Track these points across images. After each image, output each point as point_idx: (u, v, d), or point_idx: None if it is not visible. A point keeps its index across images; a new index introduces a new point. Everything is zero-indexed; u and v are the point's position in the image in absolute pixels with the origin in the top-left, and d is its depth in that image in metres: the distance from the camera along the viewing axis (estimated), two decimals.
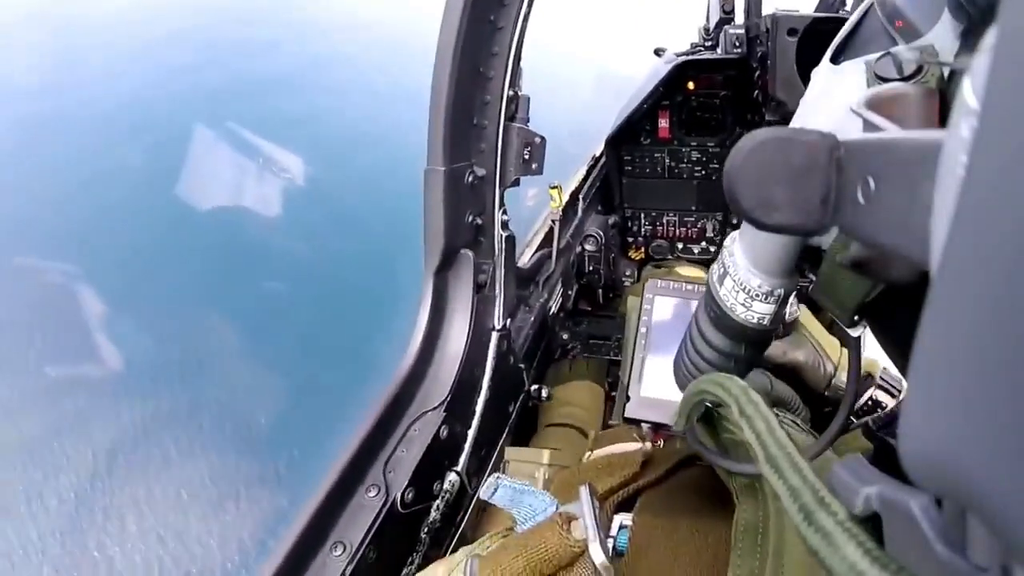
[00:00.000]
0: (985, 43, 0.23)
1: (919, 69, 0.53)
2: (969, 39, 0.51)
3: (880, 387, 1.57)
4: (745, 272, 0.73)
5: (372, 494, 0.94)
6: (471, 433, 1.19)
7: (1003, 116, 0.20)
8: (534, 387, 1.58)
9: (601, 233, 2.09)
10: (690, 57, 2.07)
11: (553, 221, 1.71)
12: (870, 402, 1.57)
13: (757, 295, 0.73)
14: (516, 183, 1.26)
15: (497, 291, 1.24)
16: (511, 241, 1.26)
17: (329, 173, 10.04)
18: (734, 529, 0.72)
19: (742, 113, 2.15)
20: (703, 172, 2.31)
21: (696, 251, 2.50)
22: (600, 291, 2.25)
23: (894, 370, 1.58)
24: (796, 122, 0.70)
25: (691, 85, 2.15)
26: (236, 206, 9.23)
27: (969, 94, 0.24)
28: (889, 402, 1.55)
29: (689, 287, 1.87)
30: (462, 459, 1.16)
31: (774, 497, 0.72)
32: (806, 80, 1.47)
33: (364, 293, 7.75)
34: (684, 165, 2.31)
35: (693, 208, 2.41)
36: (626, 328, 1.88)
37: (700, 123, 2.23)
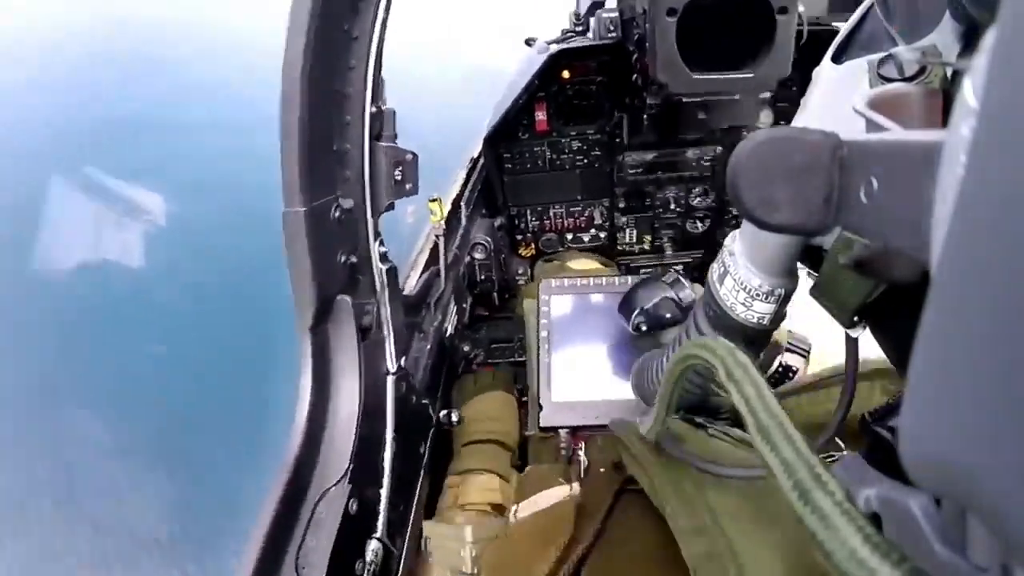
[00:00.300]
0: (984, 43, 0.23)
1: (922, 70, 0.53)
2: (970, 39, 0.51)
3: (789, 351, 1.61)
4: (745, 271, 0.74)
5: None
6: (384, 493, 1.07)
7: (1002, 116, 0.20)
8: (443, 413, 1.49)
9: (489, 239, 2.02)
10: (563, 46, 1.99)
11: (437, 237, 1.60)
12: (780, 367, 1.60)
13: (758, 295, 0.74)
14: (391, 207, 1.14)
15: (385, 331, 1.12)
16: (392, 273, 1.13)
17: (196, 209, 9.34)
18: None
19: (620, 98, 2.10)
20: (585, 161, 2.26)
21: (586, 239, 2.47)
22: (495, 295, 2.19)
23: (799, 331, 1.63)
24: (798, 121, 0.71)
25: (566, 74, 2.08)
26: (99, 261, 8.41)
27: (969, 94, 0.24)
28: (799, 364, 1.59)
29: (584, 281, 1.84)
30: (380, 524, 1.04)
31: (732, 558, 0.68)
32: (688, 60, 1.44)
33: (248, 340, 7.28)
34: (565, 156, 2.25)
35: (579, 197, 2.37)
36: (526, 332, 1.83)
37: (578, 112, 2.17)
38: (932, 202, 0.28)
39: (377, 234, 1.10)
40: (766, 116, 2.17)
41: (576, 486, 1.09)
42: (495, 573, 0.97)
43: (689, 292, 1.46)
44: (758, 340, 0.83)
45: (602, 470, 1.42)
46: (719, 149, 2.20)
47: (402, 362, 1.17)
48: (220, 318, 7.98)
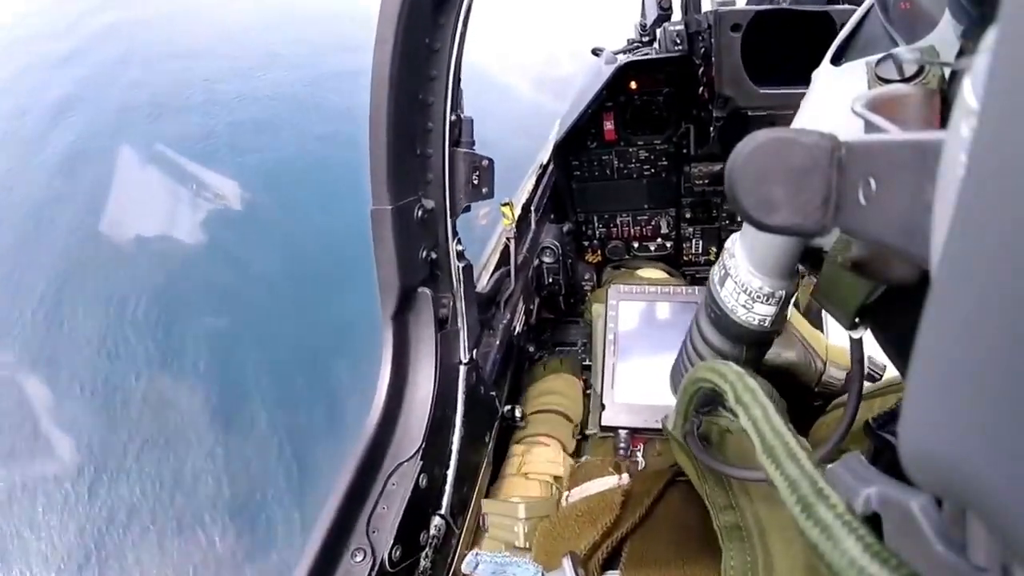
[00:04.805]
0: (985, 43, 0.23)
1: (920, 70, 0.53)
2: (969, 39, 0.51)
3: (870, 378, 1.56)
4: (746, 274, 0.75)
5: (359, 559, 0.90)
6: (450, 474, 1.15)
7: (1003, 116, 0.20)
8: (507, 408, 1.55)
9: (557, 244, 2.07)
10: (631, 59, 2.04)
11: (508, 239, 1.67)
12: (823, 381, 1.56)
13: (758, 297, 0.75)
14: (467, 210, 1.22)
15: (460, 324, 1.20)
16: (468, 270, 1.21)
17: (269, 196, 9.61)
18: None
19: (687, 109, 2.13)
20: (652, 170, 2.30)
21: (652, 248, 2.50)
22: (561, 298, 2.24)
23: (877, 358, 1.58)
24: (797, 123, 0.71)
25: (633, 85, 2.12)
26: (163, 235, 8.72)
27: (969, 94, 0.24)
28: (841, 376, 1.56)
29: (652, 289, 1.87)
30: (444, 502, 1.12)
31: (760, 536, 0.72)
32: (753, 75, 1.46)
33: (323, 320, 7.51)
34: (633, 165, 2.29)
35: (645, 206, 2.40)
36: (593, 336, 1.87)
37: (645, 122, 2.21)
38: (931, 203, 0.29)
39: (455, 233, 1.18)
40: None
41: (625, 476, 1.14)
42: (544, 547, 1.02)
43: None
44: (760, 342, 0.83)
45: (658, 447, 1.46)
46: None
47: (474, 354, 1.24)
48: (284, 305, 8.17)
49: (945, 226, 0.24)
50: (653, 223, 2.44)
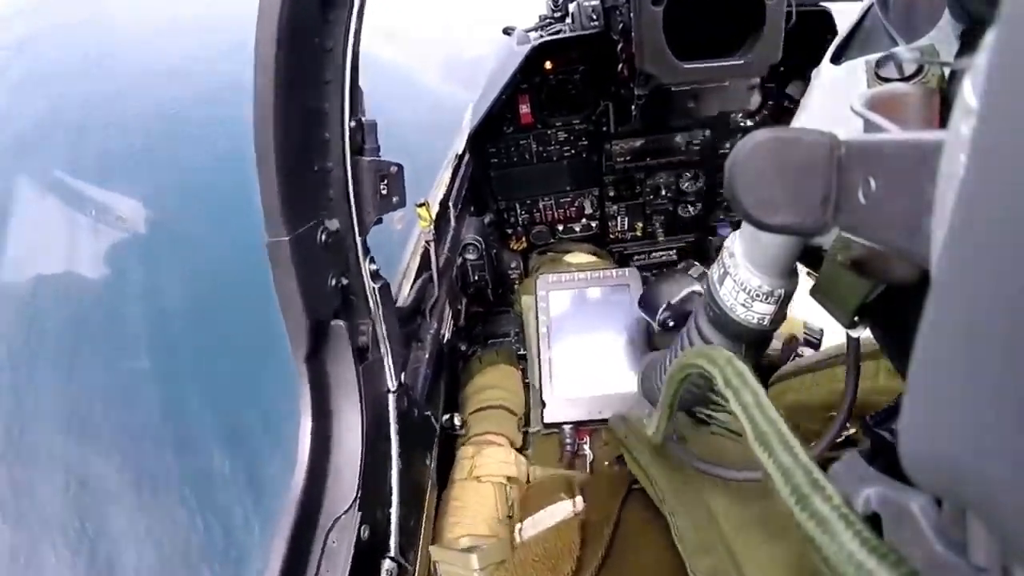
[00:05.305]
0: (985, 43, 0.23)
1: (920, 69, 0.53)
2: (969, 39, 0.50)
3: (807, 343, 1.61)
4: (745, 272, 0.75)
5: None
6: (394, 513, 1.06)
7: (1003, 116, 0.20)
8: (445, 419, 1.48)
9: (480, 239, 2.00)
10: (544, 38, 1.97)
11: (427, 242, 1.57)
12: (795, 359, 1.59)
13: (757, 295, 0.75)
14: (378, 222, 1.10)
15: (383, 350, 1.09)
16: (386, 290, 1.10)
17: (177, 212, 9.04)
18: None
19: (605, 86, 2.09)
20: (572, 151, 2.26)
21: (577, 229, 2.47)
22: (489, 291, 2.18)
23: (814, 323, 1.64)
24: (796, 122, 0.72)
25: (548, 65, 2.07)
26: (66, 273, 8.15)
27: (969, 94, 0.24)
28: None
29: (581, 275, 1.83)
30: (392, 543, 1.04)
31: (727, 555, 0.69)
32: (675, 49, 1.40)
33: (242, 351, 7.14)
34: (552, 147, 2.25)
35: (568, 188, 2.37)
36: (525, 329, 1.82)
37: (562, 102, 2.16)
38: (931, 202, 0.29)
39: (367, 252, 1.07)
40: (755, 99, 2.15)
41: (579, 501, 1.10)
42: None
43: None
44: (759, 341, 0.82)
45: (607, 463, 1.43)
46: (708, 132, 2.18)
47: (402, 378, 1.15)
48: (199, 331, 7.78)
49: (945, 226, 0.24)
50: (576, 204, 2.41)
